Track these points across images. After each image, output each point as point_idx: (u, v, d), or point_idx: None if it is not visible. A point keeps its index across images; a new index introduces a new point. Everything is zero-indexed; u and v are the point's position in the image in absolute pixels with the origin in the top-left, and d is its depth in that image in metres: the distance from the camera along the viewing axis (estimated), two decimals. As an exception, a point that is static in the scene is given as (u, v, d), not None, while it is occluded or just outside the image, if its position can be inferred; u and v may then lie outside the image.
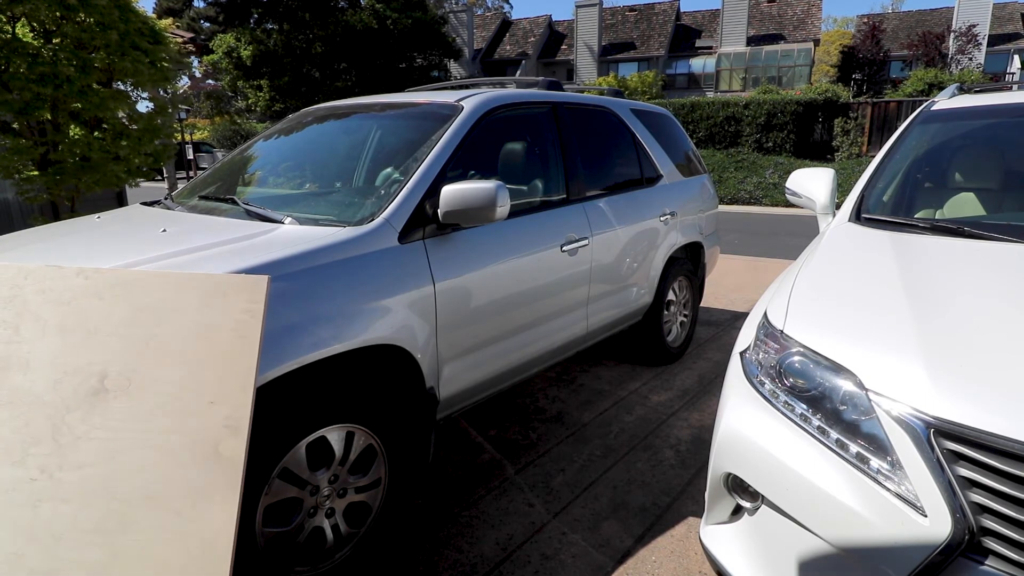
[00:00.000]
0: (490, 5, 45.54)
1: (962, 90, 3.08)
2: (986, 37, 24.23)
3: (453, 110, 2.52)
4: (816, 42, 28.54)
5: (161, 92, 5.63)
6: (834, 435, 1.35)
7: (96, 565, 0.94)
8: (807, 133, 16.44)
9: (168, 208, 2.53)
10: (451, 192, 2.11)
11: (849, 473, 1.29)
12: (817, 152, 16.45)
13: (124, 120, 4.69)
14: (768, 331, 1.65)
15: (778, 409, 1.48)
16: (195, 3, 31.50)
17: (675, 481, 2.57)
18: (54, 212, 4.57)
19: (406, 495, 2.12)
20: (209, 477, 0.96)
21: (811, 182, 2.55)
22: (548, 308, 2.73)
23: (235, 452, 0.96)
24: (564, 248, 2.75)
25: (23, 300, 1.07)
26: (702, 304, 4.79)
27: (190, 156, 20.18)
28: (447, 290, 2.17)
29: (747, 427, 1.52)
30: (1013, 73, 26.10)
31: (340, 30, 22.04)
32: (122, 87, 4.68)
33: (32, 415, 1.01)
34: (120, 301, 1.06)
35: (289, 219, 2.08)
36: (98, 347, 1.03)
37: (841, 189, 9.72)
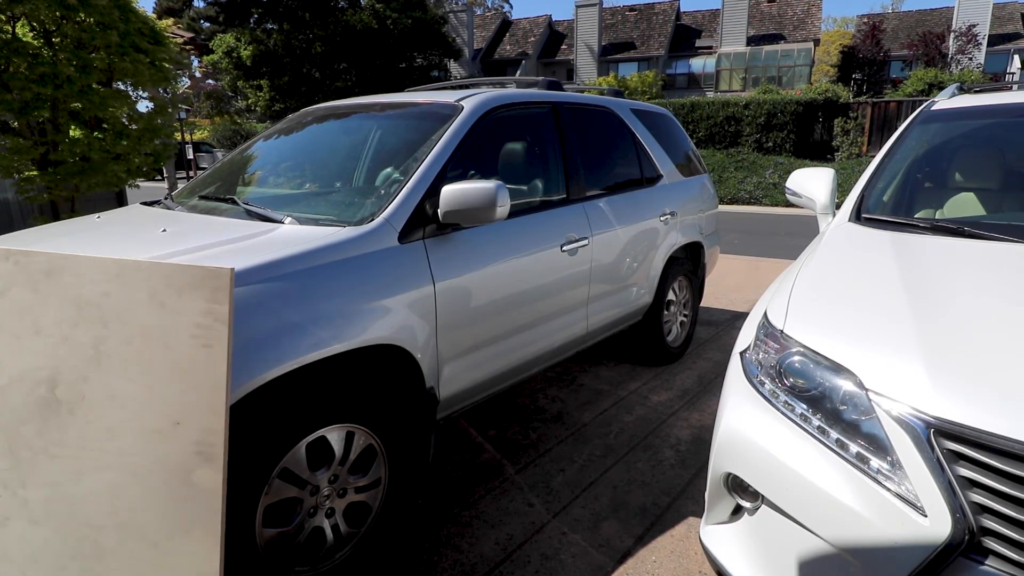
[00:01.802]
0: (490, 5, 45.55)
1: (962, 90, 3.08)
2: (986, 37, 24.22)
3: (453, 110, 2.52)
4: (816, 42, 28.53)
5: (161, 92, 5.63)
6: (834, 435, 1.35)
7: None
8: (807, 133, 16.43)
9: (168, 208, 2.53)
10: (451, 192, 2.11)
11: (849, 473, 1.29)
12: (817, 152, 16.45)
13: (124, 120, 4.69)
14: (768, 331, 1.65)
15: (778, 409, 1.48)
16: (195, 3, 31.52)
17: (675, 481, 2.57)
18: (54, 212, 4.57)
19: (406, 495, 2.12)
20: (185, 509, 0.86)
21: (811, 182, 2.55)
22: (548, 308, 2.73)
23: (212, 483, 0.87)
24: (564, 248, 2.75)
25: None
26: (702, 304, 4.79)
27: (190, 156, 20.19)
28: (447, 290, 2.17)
29: (747, 427, 1.52)
30: (1013, 73, 26.09)
31: (340, 30, 22.03)
32: (122, 87, 4.68)
33: None
34: (59, 295, 0.92)
35: (289, 219, 2.08)
36: (44, 350, 0.92)
37: (841, 189, 9.71)
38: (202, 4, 28.99)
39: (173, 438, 0.89)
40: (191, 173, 20.06)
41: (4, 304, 0.94)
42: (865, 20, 29.90)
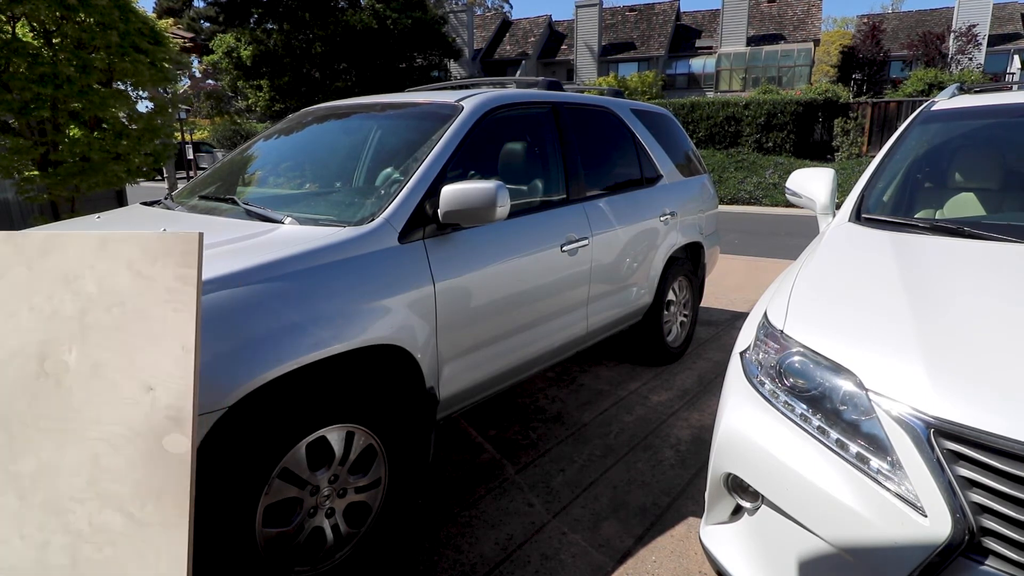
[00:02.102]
0: (490, 5, 45.54)
1: (962, 90, 3.08)
2: (986, 37, 24.22)
3: (453, 110, 2.52)
4: (816, 42, 28.53)
5: (161, 92, 5.63)
6: (834, 435, 1.35)
7: (62, 570, 0.89)
8: (807, 133, 16.43)
9: (168, 208, 2.53)
10: (451, 192, 2.11)
11: (849, 473, 1.29)
12: (817, 152, 16.45)
13: (124, 120, 4.69)
14: (768, 331, 1.65)
15: (778, 409, 1.48)
16: (195, 3, 31.51)
17: (675, 481, 2.57)
18: (54, 212, 4.57)
19: (406, 495, 2.12)
20: (157, 476, 0.88)
21: (811, 182, 2.55)
22: (548, 308, 2.73)
23: (182, 448, 0.88)
24: (564, 248, 2.75)
25: None
26: (702, 304, 4.79)
27: (190, 156, 20.19)
28: (447, 290, 2.17)
29: (747, 427, 1.52)
30: (1013, 73, 26.09)
31: (340, 30, 22.03)
32: (122, 87, 4.68)
33: None
34: (50, 271, 0.97)
35: (289, 219, 2.08)
36: (36, 325, 0.96)
37: (841, 189, 9.72)
38: (202, 4, 28.98)
39: (146, 404, 0.90)
40: (191, 173, 20.07)
41: (3, 285, 0.98)
42: (865, 20, 29.90)
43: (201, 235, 0.91)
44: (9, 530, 0.91)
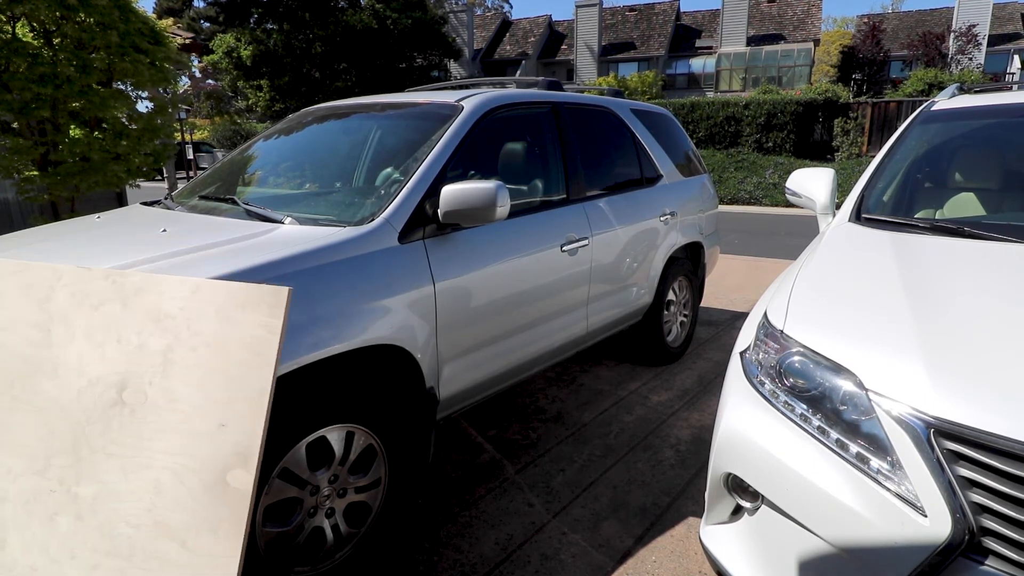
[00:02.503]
0: (490, 5, 45.53)
1: (962, 90, 3.08)
2: (986, 37, 24.22)
3: (453, 110, 2.52)
4: (816, 42, 28.53)
5: (161, 92, 5.63)
6: (834, 435, 1.35)
7: None
8: (807, 133, 16.43)
9: (168, 208, 2.53)
10: (451, 192, 2.11)
11: (849, 473, 1.29)
12: (817, 152, 16.45)
13: (124, 120, 4.69)
14: (768, 331, 1.65)
15: (778, 409, 1.48)
16: (195, 3, 31.51)
17: (675, 481, 2.57)
18: (54, 212, 4.57)
19: (406, 495, 2.12)
20: (216, 508, 0.91)
21: (811, 182, 2.55)
22: (548, 308, 2.73)
23: (243, 484, 0.91)
24: (564, 248, 2.75)
25: (56, 303, 1.06)
26: (702, 304, 4.79)
27: (190, 156, 20.19)
28: (447, 290, 2.17)
29: (747, 427, 1.52)
30: (1013, 73, 26.09)
31: (340, 30, 22.03)
32: (122, 87, 4.67)
33: (57, 424, 1.00)
34: (143, 308, 1.02)
35: (289, 219, 2.08)
36: (120, 356, 1.01)
37: (841, 189, 9.71)
38: (202, 4, 28.99)
39: (217, 439, 0.94)
40: (191, 173, 20.06)
41: (97, 317, 1.04)
42: (865, 20, 29.90)
43: (291, 291, 0.96)
44: (61, 551, 0.94)
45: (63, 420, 1.00)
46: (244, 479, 0.91)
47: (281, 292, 0.98)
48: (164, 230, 2.07)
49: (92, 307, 1.04)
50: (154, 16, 4.87)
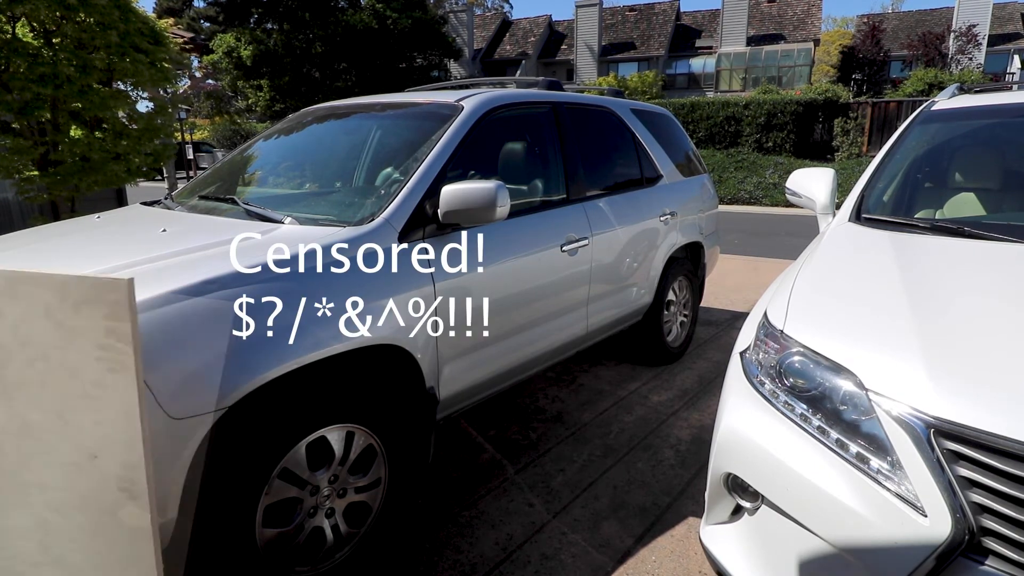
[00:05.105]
0: (490, 5, 45.49)
1: (962, 90, 3.07)
2: (986, 37, 24.22)
3: (453, 110, 2.52)
4: (816, 42, 28.53)
5: (161, 92, 5.63)
6: (834, 435, 1.35)
7: None
8: (807, 133, 16.43)
9: (168, 208, 2.53)
10: (451, 192, 2.11)
11: (849, 473, 1.29)
12: (817, 152, 16.45)
13: (124, 120, 4.69)
14: (768, 331, 1.65)
15: (778, 409, 1.48)
16: (195, 3, 31.51)
17: (675, 481, 2.57)
18: (54, 212, 4.56)
19: (406, 495, 2.12)
20: (116, 549, 0.79)
21: (811, 182, 2.55)
22: (548, 308, 2.73)
23: (140, 521, 0.78)
24: (564, 248, 2.75)
25: None
26: (702, 304, 4.79)
27: (190, 156, 20.18)
28: (447, 290, 2.17)
29: (747, 427, 1.52)
30: (1013, 73, 26.09)
31: (340, 30, 22.02)
32: (122, 87, 4.67)
33: None
34: None
35: (289, 219, 2.08)
36: None
37: (841, 189, 9.65)
38: (202, 4, 29.00)
39: (92, 472, 0.80)
40: (191, 173, 20.06)
41: None
42: (865, 20, 29.89)
43: (131, 281, 0.78)
44: None
45: None
46: (139, 516, 0.78)
47: (120, 284, 0.79)
48: (164, 230, 2.07)
49: None
50: (154, 16, 4.88)
